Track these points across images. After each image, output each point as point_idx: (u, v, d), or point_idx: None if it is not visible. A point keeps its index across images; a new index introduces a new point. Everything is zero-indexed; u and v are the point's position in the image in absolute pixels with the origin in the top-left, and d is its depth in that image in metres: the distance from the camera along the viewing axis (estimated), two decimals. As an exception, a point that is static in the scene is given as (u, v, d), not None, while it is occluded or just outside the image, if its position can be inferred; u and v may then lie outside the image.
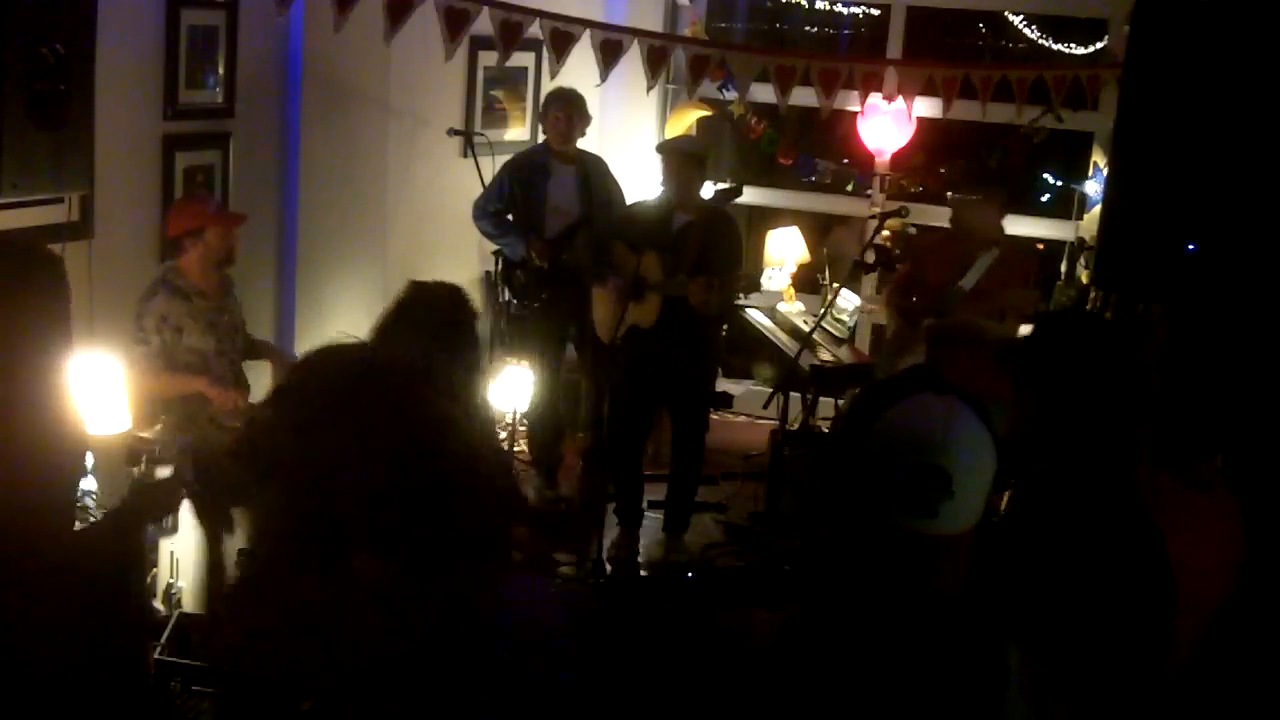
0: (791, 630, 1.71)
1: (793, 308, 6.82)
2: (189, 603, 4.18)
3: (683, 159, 5.54)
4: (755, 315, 6.43)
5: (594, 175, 6.14)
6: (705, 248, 5.44)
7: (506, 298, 6.60)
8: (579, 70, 5.94)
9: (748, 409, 7.38)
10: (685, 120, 7.68)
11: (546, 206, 6.06)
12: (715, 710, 1.78)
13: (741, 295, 5.84)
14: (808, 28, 8.73)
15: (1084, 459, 2.33)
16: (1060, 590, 2.16)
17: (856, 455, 1.69)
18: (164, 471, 3.76)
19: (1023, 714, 1.66)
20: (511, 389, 6.01)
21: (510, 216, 6.14)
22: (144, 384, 4.51)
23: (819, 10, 8.44)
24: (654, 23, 7.50)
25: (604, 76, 5.86)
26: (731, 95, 7.23)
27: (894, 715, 1.62)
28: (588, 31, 5.71)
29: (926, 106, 6.72)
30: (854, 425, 1.72)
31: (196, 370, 4.67)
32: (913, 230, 6.81)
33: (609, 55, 5.76)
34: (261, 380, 5.34)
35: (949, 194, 5.90)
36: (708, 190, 5.84)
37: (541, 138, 6.36)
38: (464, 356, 3.35)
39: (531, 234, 6.05)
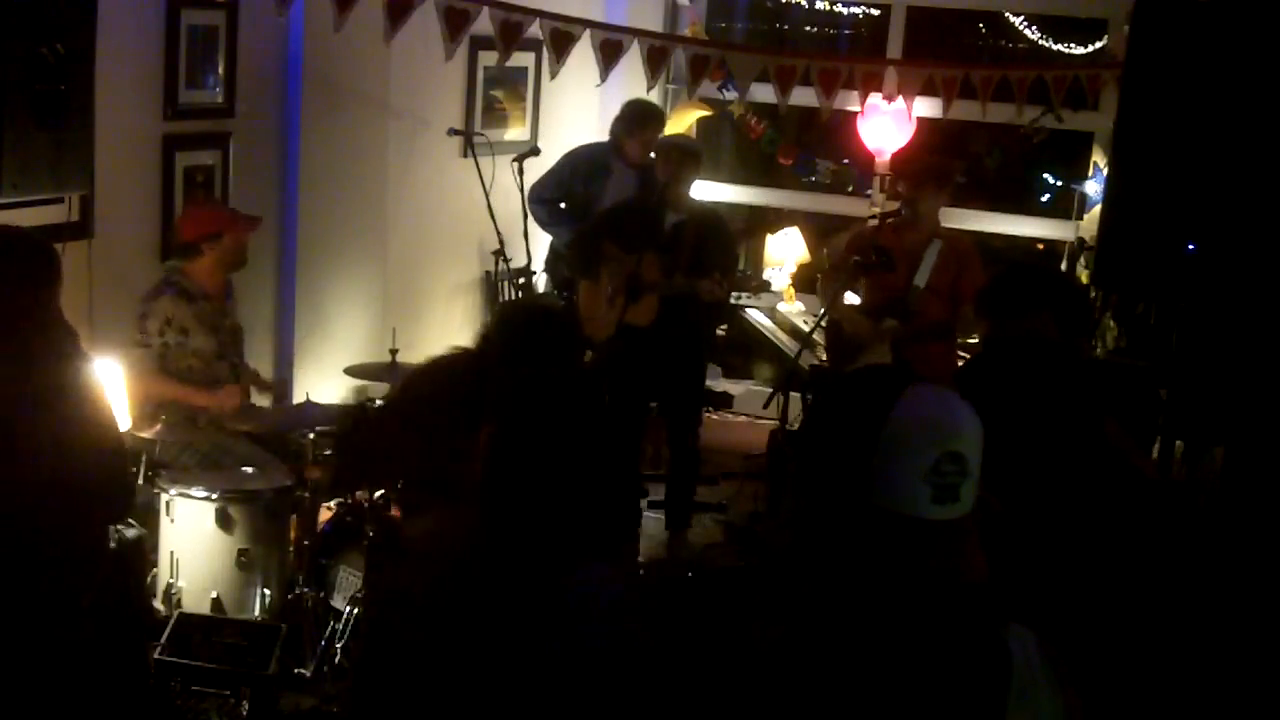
0: (805, 634, 1.70)
1: (793, 308, 6.83)
2: (189, 603, 4.18)
3: (680, 156, 5.55)
4: (755, 315, 6.44)
5: (654, 181, 6.13)
6: (699, 247, 5.44)
7: (510, 298, 6.61)
8: (579, 70, 5.94)
9: (748, 409, 7.38)
10: (685, 120, 7.68)
11: (601, 205, 6.07)
12: (717, 710, 1.76)
13: (753, 295, 5.85)
14: (808, 28, 8.73)
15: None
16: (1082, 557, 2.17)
17: (866, 457, 1.68)
18: None
19: (1029, 703, 1.67)
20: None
21: (564, 206, 6.16)
22: (138, 387, 4.51)
23: (819, 10, 8.44)
24: (654, 23, 7.51)
25: (604, 76, 5.87)
26: (731, 95, 7.23)
27: (921, 707, 1.62)
28: (588, 31, 5.71)
29: (926, 106, 6.72)
30: (850, 430, 1.71)
31: (199, 373, 4.66)
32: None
33: (609, 55, 5.75)
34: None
35: (898, 185, 5.69)
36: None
37: (542, 138, 6.36)
38: None
39: (576, 225, 6.06)
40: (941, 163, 5.73)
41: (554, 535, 2.13)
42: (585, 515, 2.16)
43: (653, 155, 6.14)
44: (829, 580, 1.72)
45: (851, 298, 6.78)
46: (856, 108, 7.07)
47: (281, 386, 5.53)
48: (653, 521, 5.85)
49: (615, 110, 7.01)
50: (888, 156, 7.46)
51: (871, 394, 1.72)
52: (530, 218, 6.22)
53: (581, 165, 6.16)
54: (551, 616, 2.05)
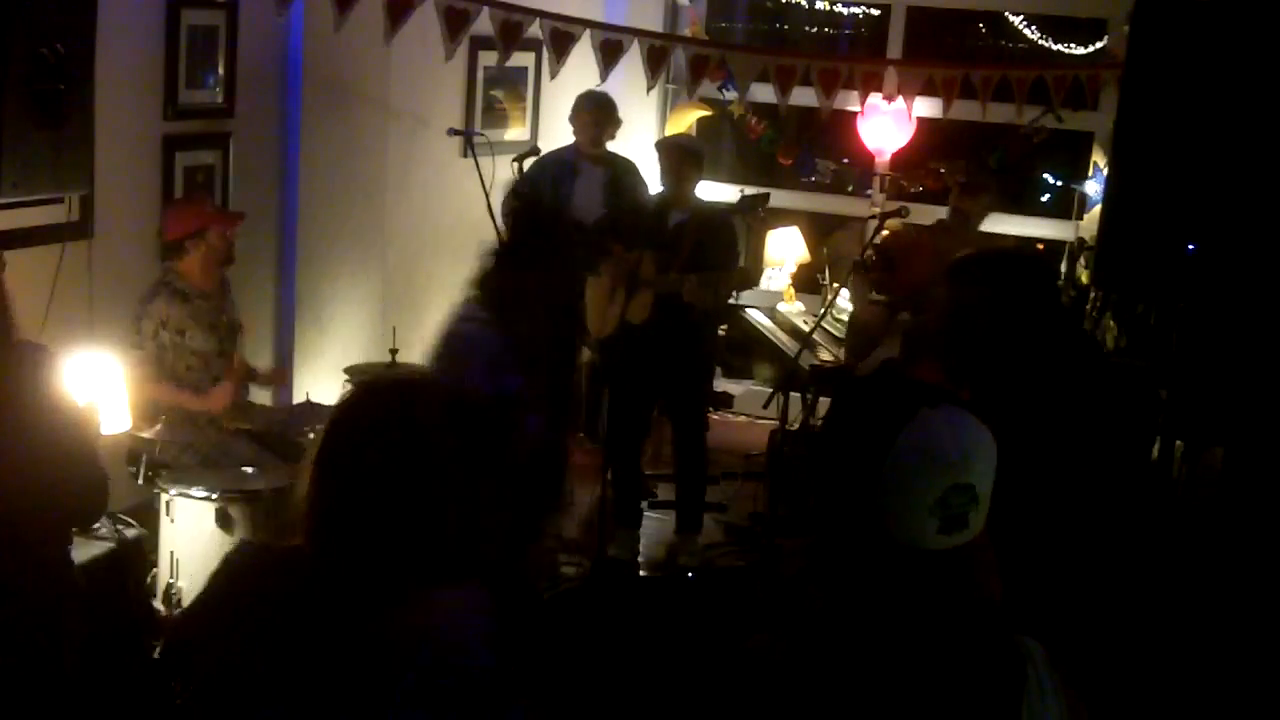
0: (816, 650, 1.68)
1: (793, 308, 6.82)
2: (189, 603, 4.18)
3: (680, 155, 5.56)
4: (755, 315, 6.43)
5: (622, 177, 6.16)
6: (699, 246, 5.45)
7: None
8: (579, 70, 5.94)
9: (748, 409, 7.38)
10: (685, 120, 7.68)
11: (572, 206, 6.08)
12: (718, 712, 1.76)
13: (735, 294, 5.85)
14: (808, 28, 8.73)
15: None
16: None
17: (871, 486, 1.65)
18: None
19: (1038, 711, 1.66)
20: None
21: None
22: (135, 390, 4.50)
23: (819, 10, 8.44)
24: (654, 23, 7.50)
25: (604, 76, 5.87)
26: (731, 95, 7.23)
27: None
28: (588, 31, 5.71)
29: (926, 106, 6.72)
30: (858, 453, 1.67)
31: (199, 371, 4.66)
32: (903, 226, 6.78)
33: (609, 55, 5.76)
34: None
35: (956, 185, 5.80)
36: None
37: (542, 138, 6.34)
38: None
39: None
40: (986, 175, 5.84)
41: (393, 560, 1.86)
42: (438, 537, 1.88)
43: (609, 146, 6.19)
44: (840, 600, 1.70)
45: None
46: (856, 108, 7.07)
47: (281, 374, 5.47)
48: (654, 521, 5.85)
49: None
50: (888, 156, 7.46)
51: (879, 417, 1.67)
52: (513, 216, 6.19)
53: (548, 170, 6.17)
54: (390, 651, 1.82)
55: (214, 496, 4.20)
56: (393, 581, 1.85)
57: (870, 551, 1.66)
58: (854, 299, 5.65)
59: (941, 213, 6.10)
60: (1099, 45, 7.34)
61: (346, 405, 1.98)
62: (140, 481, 4.37)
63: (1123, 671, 2.24)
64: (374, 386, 2.10)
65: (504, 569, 2.27)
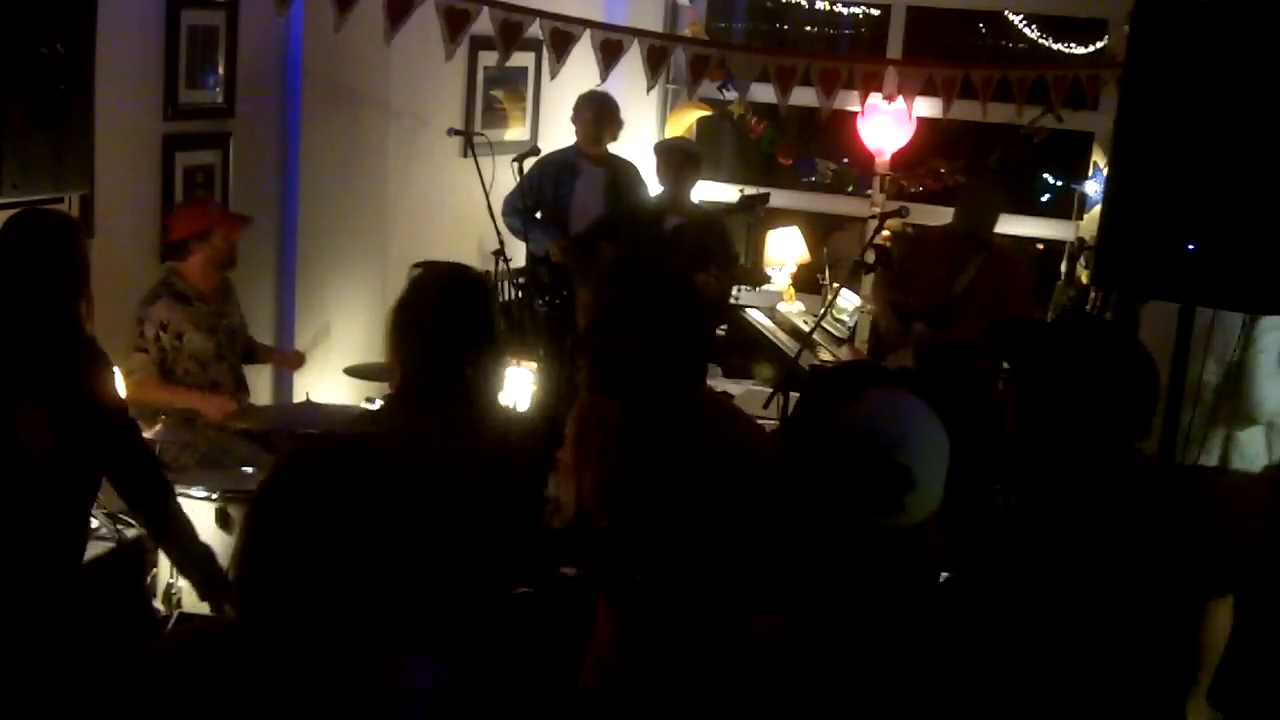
0: (795, 631, 1.70)
1: (793, 308, 6.83)
2: (189, 603, 4.17)
3: (679, 159, 5.57)
4: (755, 315, 6.43)
5: (623, 178, 6.17)
6: (698, 248, 5.46)
7: (510, 297, 6.61)
8: (579, 70, 5.94)
9: (747, 409, 7.36)
10: (685, 120, 7.69)
11: (572, 206, 6.12)
12: (715, 712, 1.77)
13: (753, 287, 5.89)
14: (808, 28, 8.74)
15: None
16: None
17: (815, 457, 1.69)
18: None
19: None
20: (513, 388, 6.00)
21: (540, 214, 6.21)
22: (139, 393, 4.50)
23: (819, 10, 8.45)
24: (654, 23, 7.51)
25: (604, 76, 5.87)
26: (731, 95, 7.23)
27: (902, 708, 1.62)
28: (588, 31, 5.71)
29: (926, 106, 6.72)
30: (808, 425, 1.73)
31: (196, 375, 4.67)
32: (910, 230, 6.81)
33: (609, 55, 5.75)
34: (262, 380, 5.34)
35: (960, 182, 5.85)
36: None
37: (542, 138, 6.34)
38: None
39: (552, 229, 6.11)
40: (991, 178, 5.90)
41: (341, 632, 1.74)
42: (384, 608, 1.76)
43: (609, 149, 6.20)
44: (806, 582, 1.73)
45: (851, 297, 6.79)
46: (856, 108, 7.07)
47: (299, 357, 5.48)
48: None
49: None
50: (888, 156, 7.46)
51: (825, 393, 1.72)
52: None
53: (549, 170, 6.21)
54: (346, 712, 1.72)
55: (214, 496, 4.19)
56: (344, 653, 1.75)
57: (811, 524, 1.69)
58: (876, 303, 5.71)
59: (940, 213, 6.12)
60: (1099, 45, 7.34)
61: (283, 477, 1.85)
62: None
63: (1121, 672, 2.24)
64: (307, 458, 1.92)
65: (463, 634, 2.17)
